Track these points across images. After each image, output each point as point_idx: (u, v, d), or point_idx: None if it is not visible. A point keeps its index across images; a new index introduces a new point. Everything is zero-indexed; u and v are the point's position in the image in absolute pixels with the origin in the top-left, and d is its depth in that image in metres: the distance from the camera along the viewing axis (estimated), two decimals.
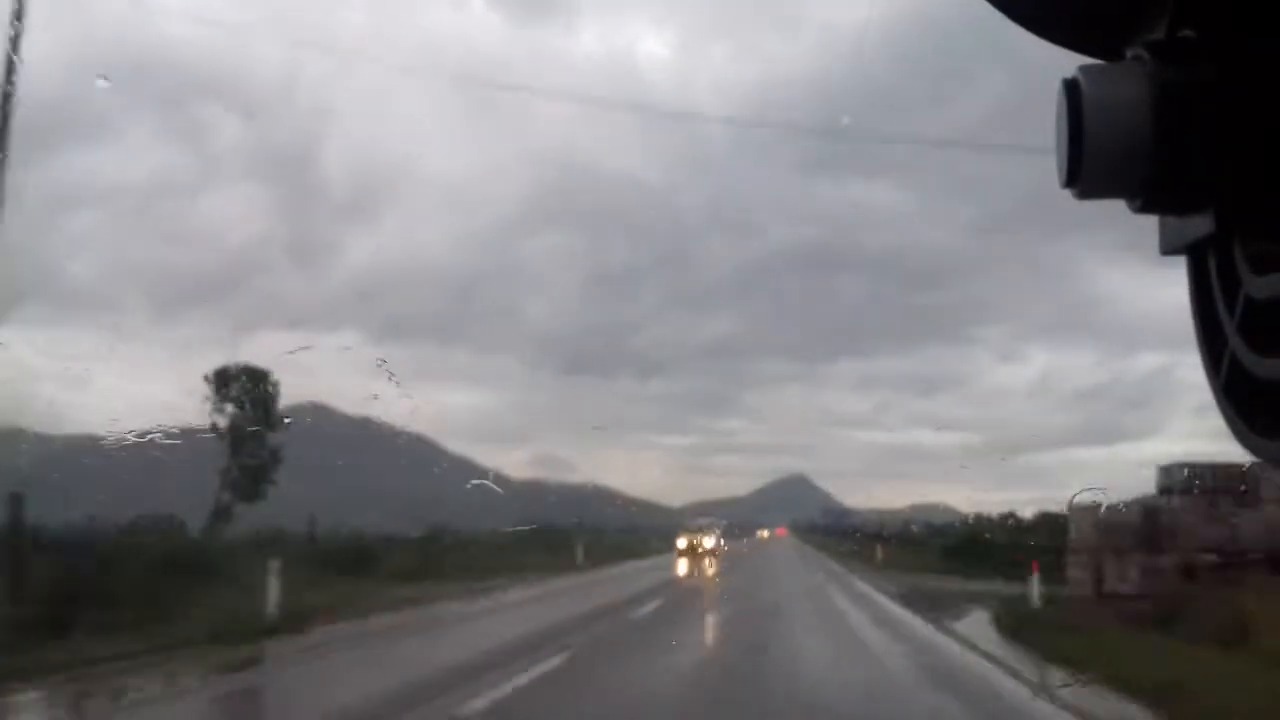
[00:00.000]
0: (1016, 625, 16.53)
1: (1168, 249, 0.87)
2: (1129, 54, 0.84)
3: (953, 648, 15.54)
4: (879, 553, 40.34)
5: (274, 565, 16.75)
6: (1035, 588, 18.83)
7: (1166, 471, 19.36)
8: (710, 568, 38.03)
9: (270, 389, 28.96)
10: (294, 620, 16.00)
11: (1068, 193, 0.84)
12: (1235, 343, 0.82)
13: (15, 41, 11.86)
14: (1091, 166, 0.80)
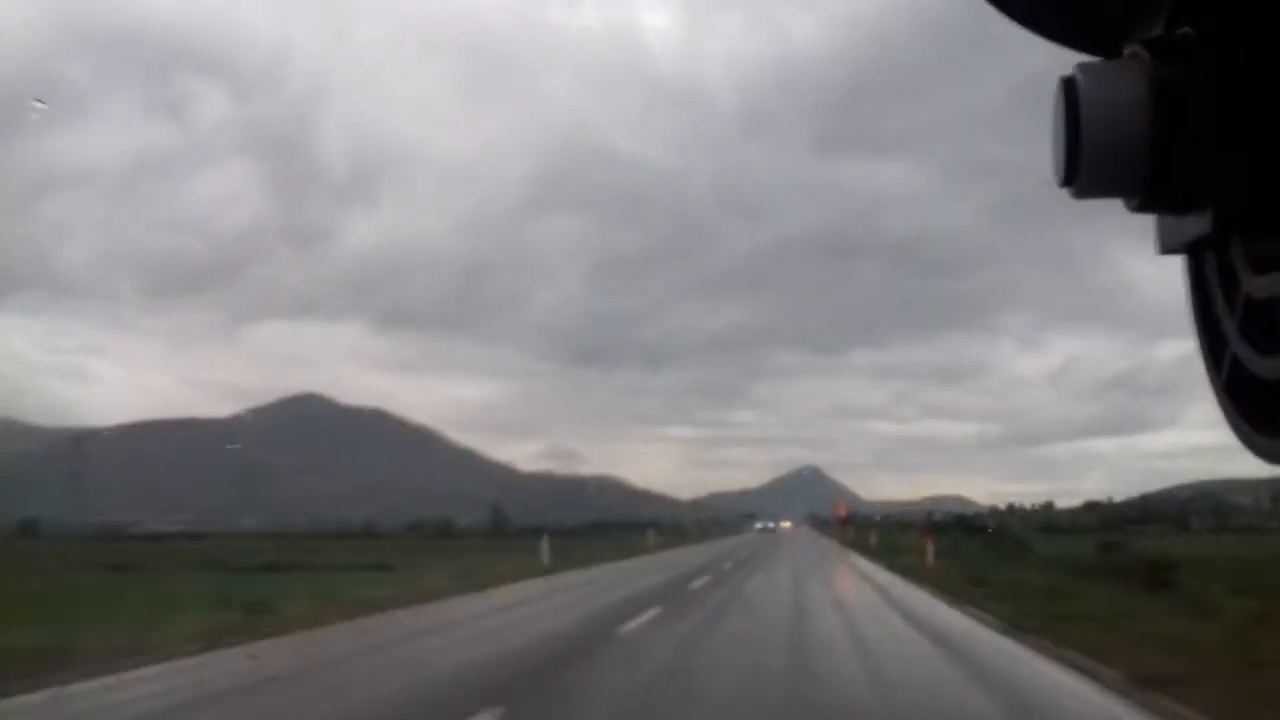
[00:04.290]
0: None
1: (1166, 248, 0.87)
2: (1127, 52, 0.84)
3: None
4: None
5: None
6: None
7: None
8: None
9: None
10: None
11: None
12: (1236, 342, 0.82)
13: None
14: (1089, 165, 0.79)
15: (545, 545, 35.59)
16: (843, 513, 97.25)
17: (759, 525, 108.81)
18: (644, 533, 64.17)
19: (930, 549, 34.70)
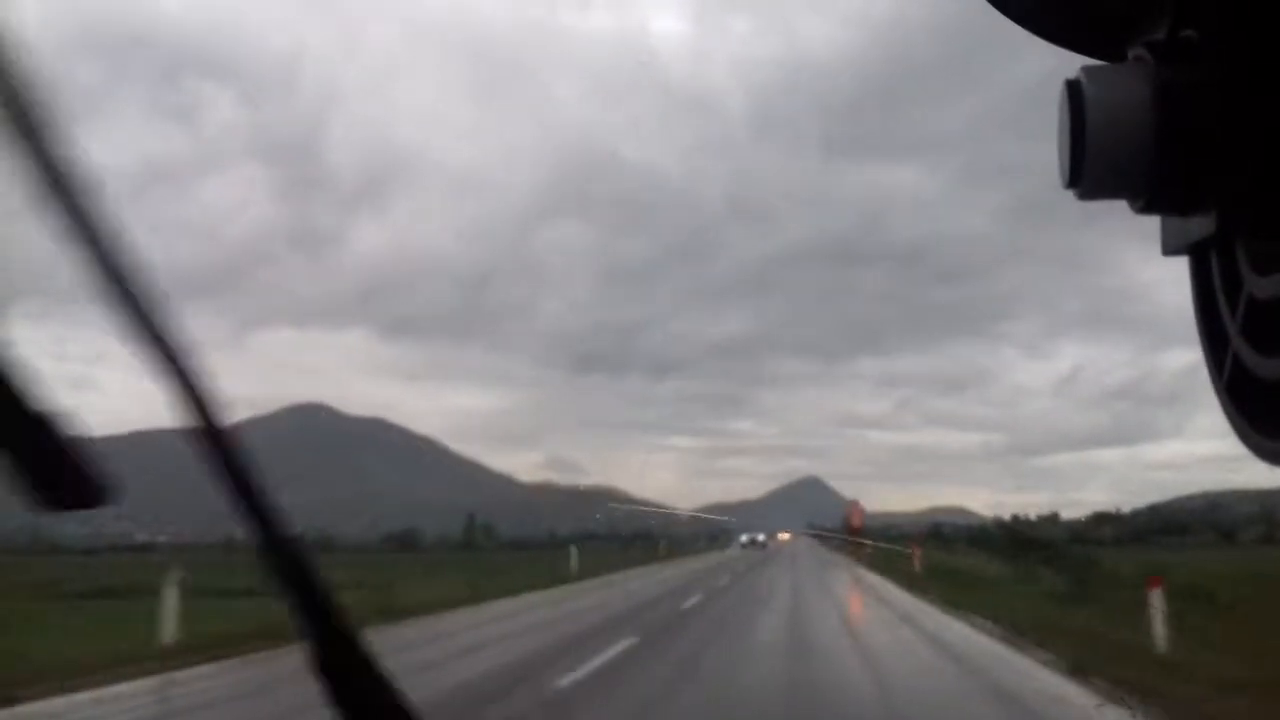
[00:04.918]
0: None
1: (1170, 250, 0.87)
2: (1131, 54, 0.84)
3: None
4: None
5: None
6: None
7: None
8: None
9: None
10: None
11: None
12: (1238, 343, 0.82)
13: None
14: (1094, 167, 0.79)
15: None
16: (857, 521, 63.97)
17: (743, 539, 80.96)
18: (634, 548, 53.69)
19: (1158, 606, 14.52)
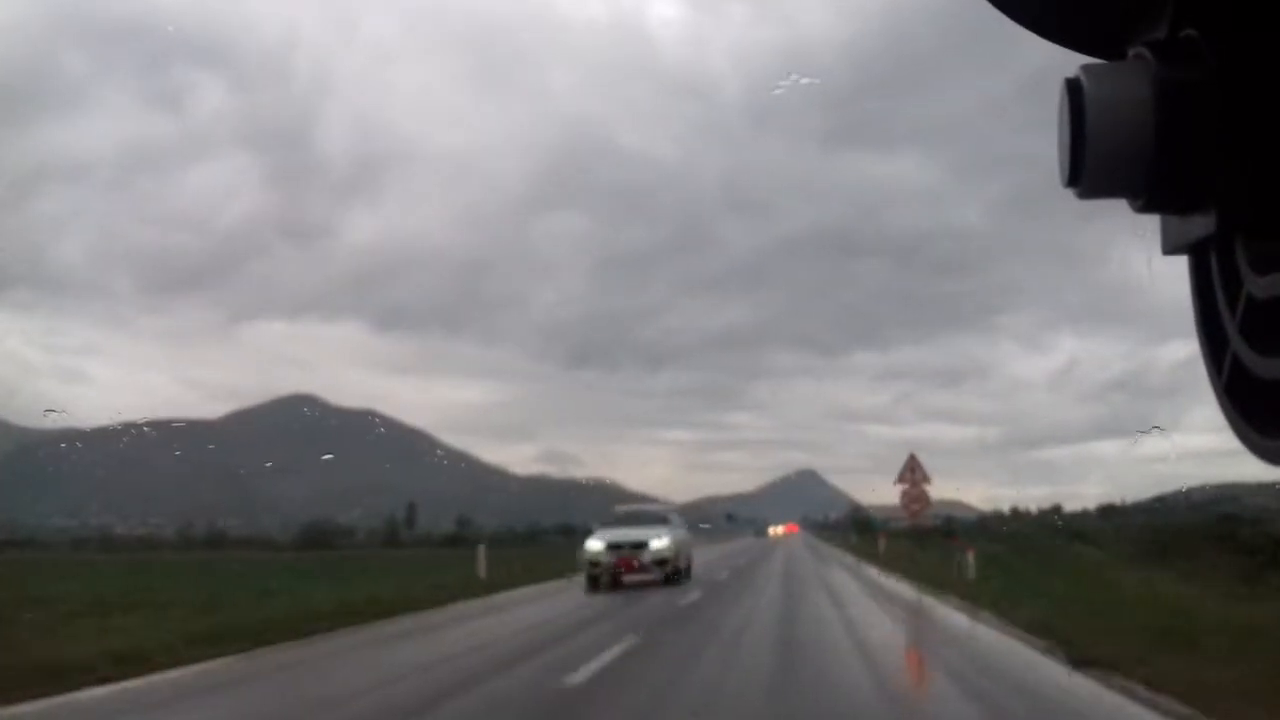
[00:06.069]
0: None
1: (1170, 249, 0.87)
2: (1131, 53, 0.84)
3: None
4: None
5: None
6: None
7: None
8: None
9: None
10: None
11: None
12: (1237, 343, 0.82)
13: None
14: (1093, 166, 0.80)
15: None
16: (918, 504, 23.52)
17: (591, 548, 23.07)
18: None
19: None
